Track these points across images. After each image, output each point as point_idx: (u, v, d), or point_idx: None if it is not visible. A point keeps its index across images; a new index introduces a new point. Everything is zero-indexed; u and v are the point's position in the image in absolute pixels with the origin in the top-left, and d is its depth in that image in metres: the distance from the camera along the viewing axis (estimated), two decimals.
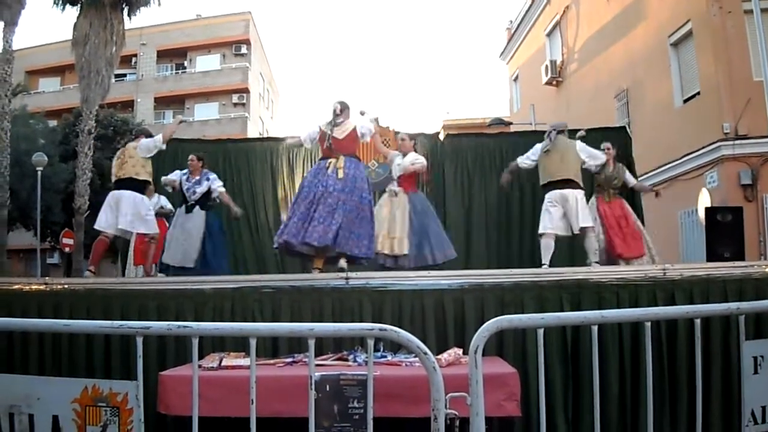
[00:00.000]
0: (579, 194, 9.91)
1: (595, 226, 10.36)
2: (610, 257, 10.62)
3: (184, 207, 11.05)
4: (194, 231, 10.85)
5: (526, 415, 5.55)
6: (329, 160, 9.01)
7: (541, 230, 9.95)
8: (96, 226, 10.01)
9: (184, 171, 11.15)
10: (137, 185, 9.92)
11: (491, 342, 5.94)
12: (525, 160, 10.35)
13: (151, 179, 10.24)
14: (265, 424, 3.75)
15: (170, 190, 11.59)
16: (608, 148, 11.00)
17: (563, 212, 9.85)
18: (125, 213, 9.66)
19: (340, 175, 8.86)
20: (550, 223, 9.83)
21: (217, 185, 11.02)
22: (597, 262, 9.84)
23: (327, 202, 8.69)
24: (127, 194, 9.78)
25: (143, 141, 10.07)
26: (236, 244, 13.28)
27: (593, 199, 11.01)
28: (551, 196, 9.91)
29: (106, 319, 6.25)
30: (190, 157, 11.17)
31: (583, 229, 9.83)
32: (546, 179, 10.09)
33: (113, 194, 9.95)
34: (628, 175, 11.09)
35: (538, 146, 10.27)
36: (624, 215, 10.84)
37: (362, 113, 9.76)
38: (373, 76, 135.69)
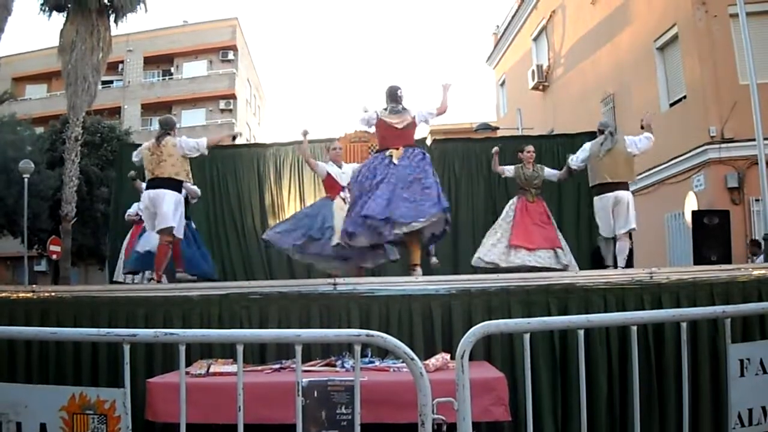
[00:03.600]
0: (630, 196, 9.94)
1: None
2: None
3: None
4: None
5: (515, 420, 5.55)
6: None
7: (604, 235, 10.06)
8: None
9: None
10: (175, 185, 9.49)
11: (479, 347, 5.98)
12: (578, 162, 10.36)
13: (189, 179, 9.98)
14: (253, 431, 3.74)
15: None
16: (529, 151, 11.05)
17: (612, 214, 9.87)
18: (165, 214, 9.30)
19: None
20: (609, 226, 9.91)
21: (191, 188, 10.96)
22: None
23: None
24: (168, 194, 9.36)
25: (185, 140, 9.64)
26: (224, 250, 13.30)
27: (515, 198, 11.03)
28: (606, 198, 9.89)
29: (93, 326, 6.25)
30: None
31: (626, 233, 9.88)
32: (599, 180, 10.00)
33: (150, 195, 9.43)
34: (547, 172, 11.05)
35: (588, 145, 10.26)
36: (545, 213, 10.84)
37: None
38: (360, 81, 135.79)
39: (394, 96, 9.36)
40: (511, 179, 11.18)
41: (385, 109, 9.30)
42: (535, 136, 15.94)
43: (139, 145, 10.07)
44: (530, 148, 11.09)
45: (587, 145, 10.20)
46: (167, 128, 9.67)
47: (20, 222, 25.81)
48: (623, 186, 9.82)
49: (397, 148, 9.02)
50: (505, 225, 10.72)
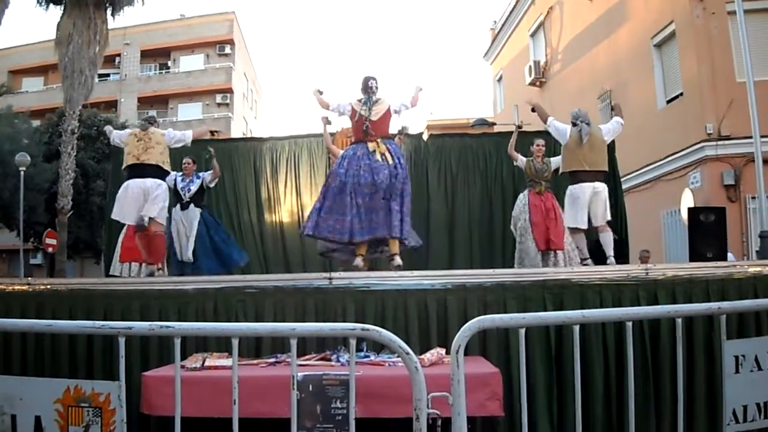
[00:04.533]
0: (606, 188, 9.94)
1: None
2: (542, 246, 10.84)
3: (179, 206, 11.21)
4: (195, 225, 11.09)
5: (511, 415, 5.56)
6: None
7: (575, 225, 9.95)
8: (122, 220, 10.10)
9: (179, 173, 11.23)
10: (161, 174, 9.70)
11: (474, 342, 5.98)
12: (555, 132, 10.20)
13: (170, 171, 10.15)
14: (248, 425, 3.74)
15: None
16: (539, 145, 11.16)
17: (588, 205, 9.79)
18: (155, 202, 9.48)
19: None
20: (582, 218, 9.80)
21: (207, 176, 11.28)
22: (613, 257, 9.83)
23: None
24: (159, 188, 9.57)
25: (172, 131, 9.97)
26: None
27: (525, 192, 11.22)
28: (585, 187, 9.78)
29: (89, 319, 6.23)
30: (186, 160, 11.22)
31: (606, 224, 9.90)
32: (576, 168, 9.91)
33: (136, 183, 9.53)
34: (555, 161, 10.98)
35: (568, 129, 10.02)
36: (553, 208, 10.91)
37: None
38: (357, 75, 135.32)
39: (366, 87, 9.37)
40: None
41: (360, 101, 9.31)
42: (533, 132, 15.91)
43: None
44: (540, 141, 11.18)
45: (567, 129, 10.07)
46: (151, 122, 9.98)
47: (16, 215, 25.80)
48: (600, 177, 9.86)
49: (375, 141, 9.07)
50: (524, 225, 10.89)
